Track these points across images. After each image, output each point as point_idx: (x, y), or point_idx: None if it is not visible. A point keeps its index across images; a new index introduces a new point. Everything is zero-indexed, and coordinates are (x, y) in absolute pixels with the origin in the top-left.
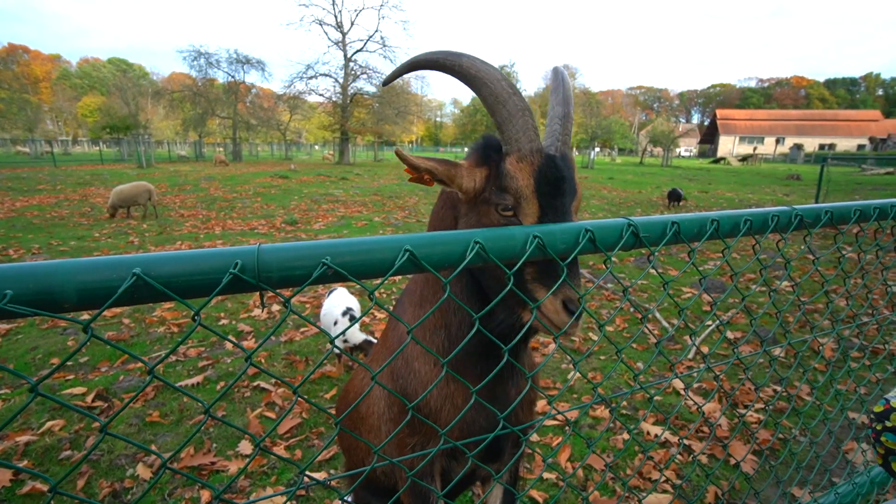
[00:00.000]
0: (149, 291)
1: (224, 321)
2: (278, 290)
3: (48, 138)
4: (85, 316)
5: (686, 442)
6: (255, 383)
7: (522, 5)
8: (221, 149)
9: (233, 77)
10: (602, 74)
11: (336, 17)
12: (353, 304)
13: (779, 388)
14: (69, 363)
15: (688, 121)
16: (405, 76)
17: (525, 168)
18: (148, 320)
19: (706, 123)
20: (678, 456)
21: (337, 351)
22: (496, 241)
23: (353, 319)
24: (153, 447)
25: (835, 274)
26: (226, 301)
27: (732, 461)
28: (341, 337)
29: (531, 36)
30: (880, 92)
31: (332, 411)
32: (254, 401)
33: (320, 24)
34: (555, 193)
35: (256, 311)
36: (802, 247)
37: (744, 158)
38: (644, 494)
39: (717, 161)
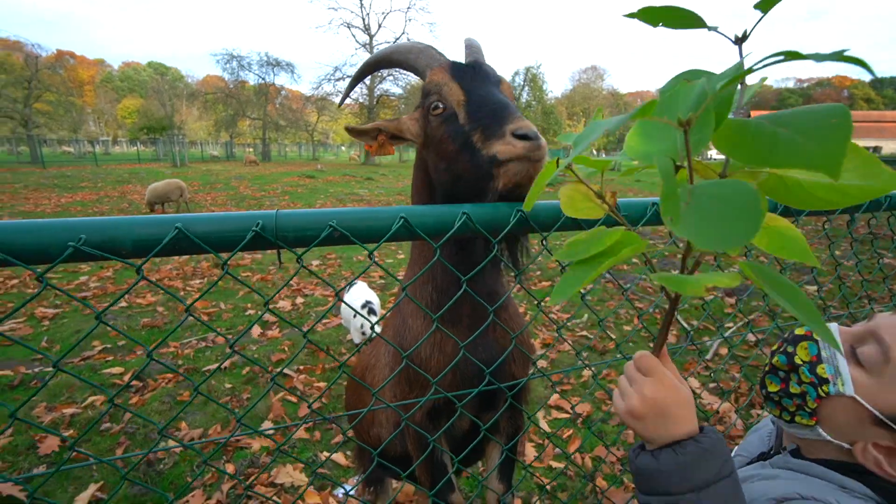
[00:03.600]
0: (188, 243)
1: (251, 311)
2: (293, 248)
3: (90, 139)
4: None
5: None
6: (278, 369)
7: (549, 7)
8: (251, 149)
9: (263, 79)
10: (631, 75)
11: (364, 19)
12: (373, 297)
13: None
14: (108, 346)
15: None
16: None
17: (438, 69)
18: (180, 308)
19: None
20: None
21: (357, 341)
22: (481, 212)
23: (372, 312)
24: (182, 424)
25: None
26: (252, 295)
27: None
28: (360, 329)
29: (558, 38)
30: None
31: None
32: (276, 386)
33: (348, 27)
34: (472, 77)
35: (281, 303)
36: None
37: None
38: None
39: None
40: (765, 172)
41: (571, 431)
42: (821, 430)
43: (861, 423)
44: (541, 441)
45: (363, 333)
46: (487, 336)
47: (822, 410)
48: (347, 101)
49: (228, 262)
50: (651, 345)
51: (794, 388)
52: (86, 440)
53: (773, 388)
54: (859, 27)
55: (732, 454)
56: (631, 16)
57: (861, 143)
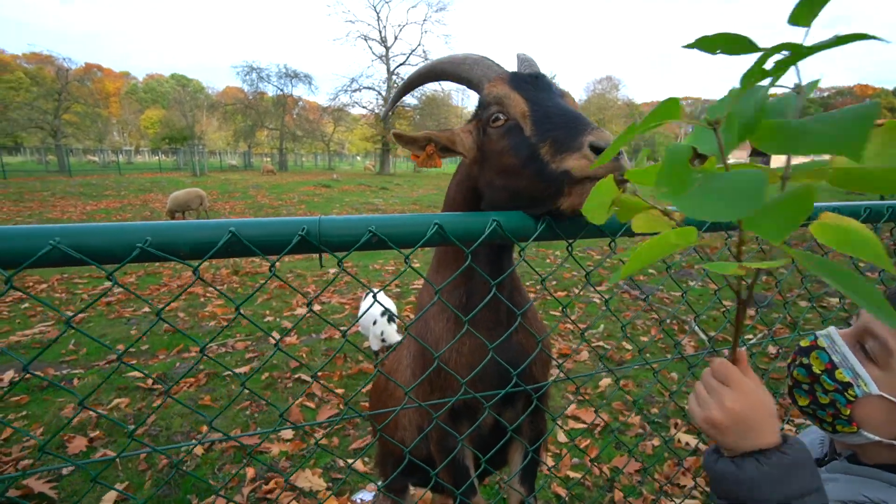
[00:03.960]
0: (240, 246)
1: (269, 318)
2: (334, 252)
3: (114, 148)
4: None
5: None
6: (296, 375)
7: (564, 19)
8: (268, 158)
9: (281, 90)
10: (646, 86)
11: (380, 32)
12: (391, 305)
13: None
14: (132, 349)
15: None
16: (445, 88)
17: (497, 80)
18: (200, 315)
19: None
20: None
21: (375, 348)
22: (511, 219)
23: (391, 320)
24: (203, 428)
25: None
26: (271, 300)
27: None
28: (379, 336)
29: (573, 49)
30: None
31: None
32: (295, 391)
33: (365, 40)
34: (535, 88)
35: (299, 310)
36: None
37: None
38: (677, 502)
39: None
40: (829, 168)
41: (589, 441)
42: (865, 433)
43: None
44: (557, 451)
45: (382, 340)
46: (510, 339)
47: (858, 414)
48: (361, 111)
49: (275, 265)
50: (669, 355)
51: (823, 399)
52: (111, 441)
53: (803, 403)
54: (883, 34)
55: None
56: (689, 46)
57: None
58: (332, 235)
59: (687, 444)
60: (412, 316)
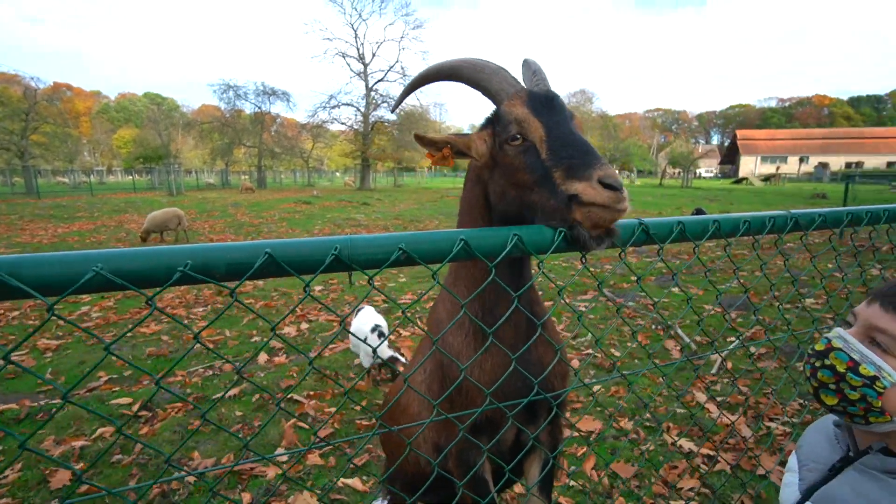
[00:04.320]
0: (275, 267)
1: (256, 338)
2: (364, 270)
3: (85, 169)
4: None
5: (709, 452)
6: (288, 395)
7: (538, 33)
8: (246, 176)
9: (259, 108)
10: (619, 98)
11: (358, 49)
12: (381, 321)
13: (804, 402)
14: (114, 376)
15: (707, 142)
16: (424, 105)
17: (516, 100)
18: (186, 337)
19: (726, 144)
20: (702, 466)
21: (367, 365)
22: (530, 234)
23: (381, 336)
24: (195, 454)
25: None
26: (258, 320)
27: (760, 471)
28: (371, 353)
29: (547, 63)
30: None
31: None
32: (287, 412)
33: (343, 57)
34: (550, 111)
35: (287, 329)
36: (830, 264)
37: (767, 178)
38: None
39: (738, 181)
40: None
41: (585, 449)
42: None
43: None
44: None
45: (375, 357)
46: (530, 352)
47: (888, 404)
48: (341, 127)
49: (309, 285)
50: (657, 360)
51: (852, 395)
52: (97, 472)
53: (831, 402)
54: (839, 46)
55: (796, 464)
56: None
57: (843, 158)
58: (362, 254)
59: (682, 447)
60: (403, 332)
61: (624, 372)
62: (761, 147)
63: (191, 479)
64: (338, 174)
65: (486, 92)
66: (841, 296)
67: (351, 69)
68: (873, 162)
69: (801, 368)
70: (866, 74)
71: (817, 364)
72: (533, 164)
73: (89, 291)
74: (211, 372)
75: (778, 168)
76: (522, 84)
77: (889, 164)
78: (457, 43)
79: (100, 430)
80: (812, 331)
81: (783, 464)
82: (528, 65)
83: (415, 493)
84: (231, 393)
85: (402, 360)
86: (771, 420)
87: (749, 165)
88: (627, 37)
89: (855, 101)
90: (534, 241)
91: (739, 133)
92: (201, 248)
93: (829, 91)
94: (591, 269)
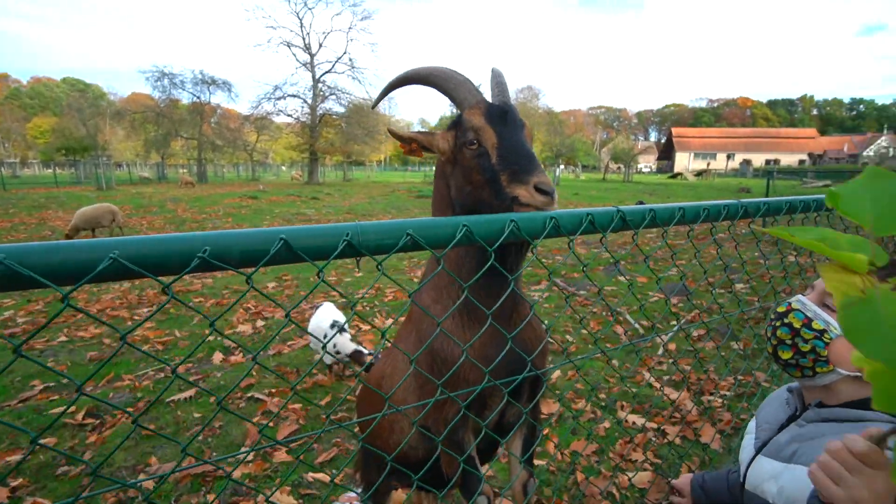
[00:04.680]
0: (290, 254)
1: (210, 337)
2: (373, 255)
3: None
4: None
5: (658, 426)
6: (248, 394)
7: (486, 27)
8: (185, 170)
9: (198, 98)
10: (564, 95)
11: (304, 39)
12: (340, 317)
13: (738, 377)
14: (51, 384)
15: (646, 139)
16: (371, 98)
17: (475, 111)
18: (130, 339)
19: (663, 141)
20: (653, 439)
21: (328, 362)
22: (524, 221)
23: (342, 331)
24: (152, 459)
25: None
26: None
27: (704, 440)
28: (332, 349)
29: (495, 59)
30: (815, 112)
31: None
32: (249, 411)
33: (288, 46)
34: (504, 123)
35: (241, 328)
36: (756, 253)
37: (699, 173)
38: (630, 475)
39: (674, 176)
40: None
41: (547, 431)
42: (839, 370)
43: None
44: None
45: (336, 353)
46: (511, 322)
47: (833, 355)
48: (287, 119)
49: (322, 272)
50: (609, 344)
51: (804, 347)
52: (39, 487)
53: (786, 356)
54: (760, 52)
55: (753, 427)
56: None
57: (764, 156)
58: (371, 240)
59: (634, 423)
60: (361, 325)
61: (580, 356)
62: (694, 144)
63: (149, 485)
64: (283, 168)
65: (453, 99)
66: (764, 280)
67: (297, 59)
68: (788, 160)
69: (764, 332)
70: (782, 79)
71: (777, 323)
72: (485, 166)
73: (104, 280)
74: (163, 374)
75: (708, 164)
76: (482, 94)
77: (801, 162)
78: (405, 35)
79: (40, 442)
80: (738, 312)
81: (721, 432)
82: (494, 75)
83: (396, 476)
84: (187, 394)
85: (366, 351)
86: (710, 395)
87: (683, 161)
88: (572, 35)
89: (772, 104)
90: (527, 226)
91: (675, 131)
92: (219, 234)
93: (751, 94)
94: (543, 261)
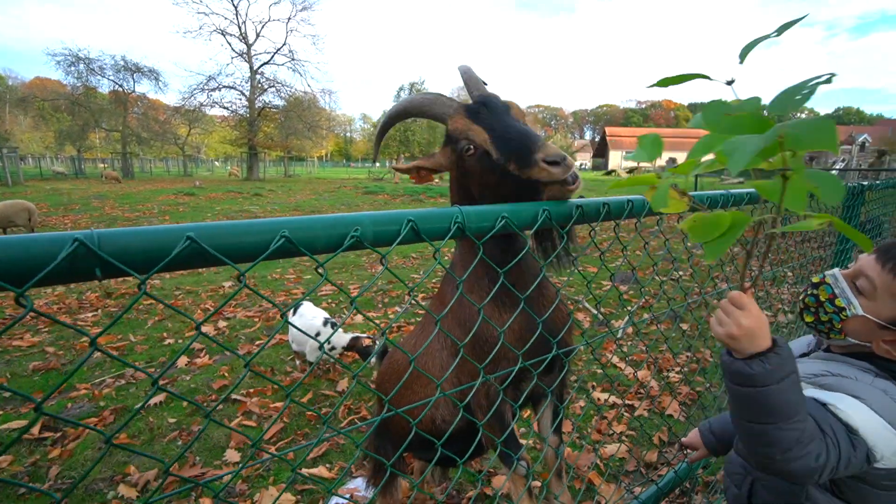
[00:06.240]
0: (293, 250)
1: (169, 340)
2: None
3: None
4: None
5: (628, 402)
6: (221, 396)
7: (425, 25)
8: (105, 164)
9: (120, 86)
10: (502, 93)
11: (240, 27)
12: (322, 313)
13: (689, 354)
14: None
15: (581, 137)
16: (313, 91)
17: (456, 117)
18: (78, 346)
19: (597, 139)
20: (625, 414)
21: (311, 360)
22: (556, 208)
23: (334, 326)
24: (130, 469)
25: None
26: (165, 321)
27: (669, 412)
28: (327, 345)
29: (436, 58)
30: None
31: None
32: (228, 413)
33: (223, 35)
34: (486, 114)
35: (205, 328)
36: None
37: (631, 170)
38: (610, 447)
39: (608, 173)
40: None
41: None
42: (849, 339)
43: (872, 330)
44: None
45: (332, 349)
46: (544, 312)
47: (847, 327)
48: (222, 112)
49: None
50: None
51: (824, 317)
52: None
53: (809, 319)
54: (683, 56)
55: None
56: (653, 85)
57: (685, 155)
58: (370, 232)
59: (605, 400)
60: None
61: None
62: (626, 143)
63: (132, 493)
64: (217, 163)
65: (435, 118)
66: (702, 269)
67: (233, 49)
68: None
69: (799, 294)
70: (702, 83)
71: (809, 291)
72: (491, 166)
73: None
74: (123, 381)
75: (639, 163)
76: (456, 101)
77: None
78: (348, 29)
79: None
80: (685, 301)
81: (683, 404)
82: (462, 72)
83: (417, 450)
84: (157, 400)
85: (363, 335)
86: (668, 371)
87: (617, 159)
88: (509, 35)
89: (693, 107)
90: (559, 214)
91: (608, 130)
92: (221, 225)
93: (674, 97)
94: None
